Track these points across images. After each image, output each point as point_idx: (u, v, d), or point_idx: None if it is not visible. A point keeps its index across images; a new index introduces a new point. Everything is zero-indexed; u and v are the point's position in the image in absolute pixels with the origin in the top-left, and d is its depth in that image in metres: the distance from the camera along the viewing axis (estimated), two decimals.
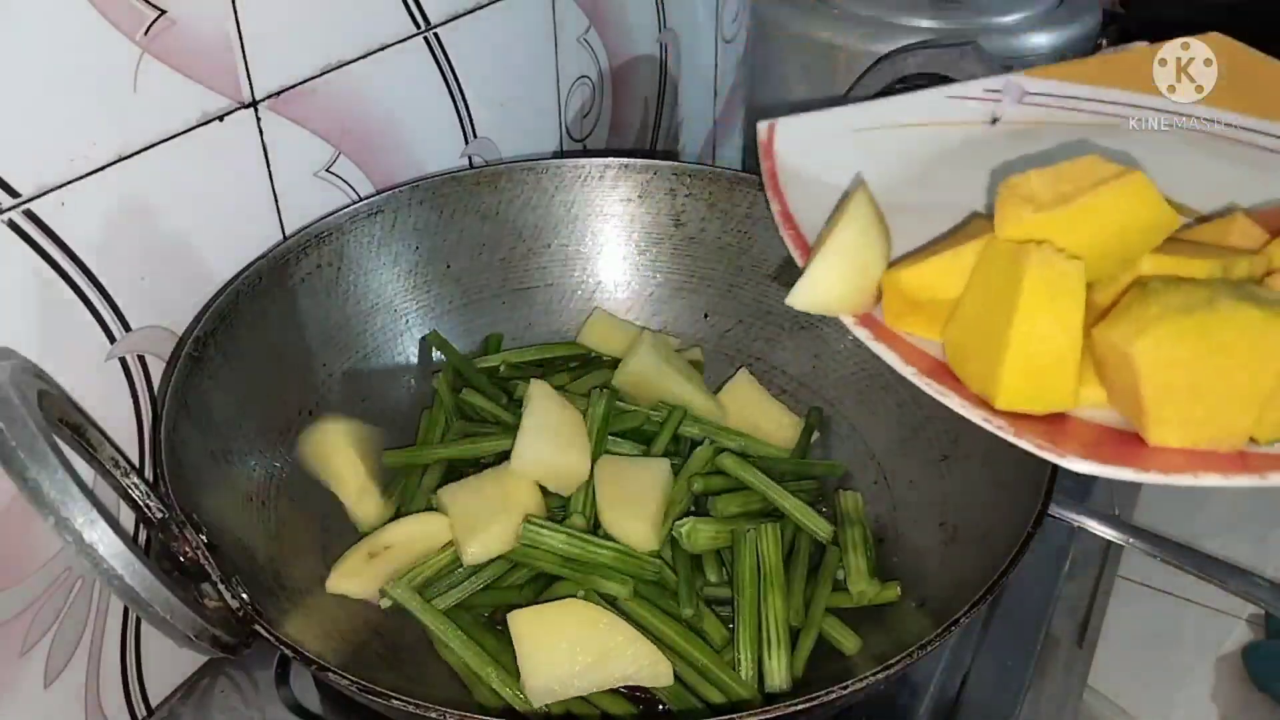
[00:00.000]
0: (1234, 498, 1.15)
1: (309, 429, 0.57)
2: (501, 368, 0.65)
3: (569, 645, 0.49)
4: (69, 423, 0.43)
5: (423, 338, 0.65)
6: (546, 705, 0.49)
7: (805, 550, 0.56)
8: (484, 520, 0.54)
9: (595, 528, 0.56)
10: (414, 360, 0.65)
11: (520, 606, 0.50)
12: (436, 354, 0.65)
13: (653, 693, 0.51)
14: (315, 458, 0.57)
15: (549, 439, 0.56)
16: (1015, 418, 0.42)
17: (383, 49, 0.60)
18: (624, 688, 0.51)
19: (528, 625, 0.49)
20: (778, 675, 0.50)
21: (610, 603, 0.52)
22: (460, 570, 0.54)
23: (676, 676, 0.51)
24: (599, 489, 0.56)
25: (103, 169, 0.47)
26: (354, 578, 0.52)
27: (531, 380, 0.60)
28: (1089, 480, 0.71)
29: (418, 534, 0.54)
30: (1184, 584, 1.03)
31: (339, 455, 0.57)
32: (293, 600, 0.49)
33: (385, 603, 0.52)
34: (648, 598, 0.53)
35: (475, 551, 0.53)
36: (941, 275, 0.45)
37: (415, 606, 0.52)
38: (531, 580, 0.54)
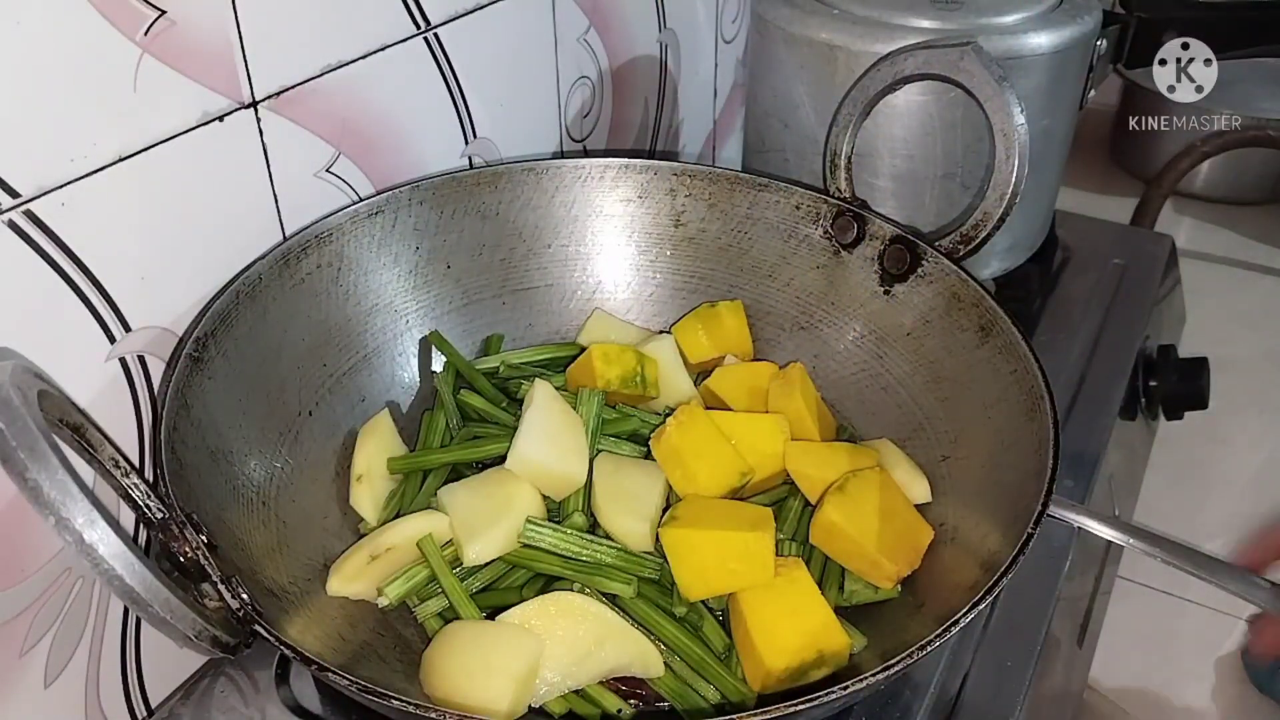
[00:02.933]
0: (1235, 498, 1.15)
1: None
2: (501, 368, 0.65)
3: (562, 637, 0.49)
4: (69, 423, 0.43)
5: (423, 338, 0.65)
6: (544, 703, 0.49)
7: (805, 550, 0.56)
8: (485, 522, 0.53)
9: (594, 527, 0.56)
10: (414, 360, 0.65)
11: (517, 604, 0.51)
12: (437, 354, 0.65)
13: (652, 687, 0.51)
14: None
15: (548, 442, 0.56)
16: None
17: (383, 49, 0.60)
18: (623, 686, 0.51)
19: (521, 623, 0.50)
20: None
21: (611, 601, 0.52)
22: (458, 570, 0.54)
23: (675, 674, 0.51)
24: (597, 486, 0.56)
25: (103, 169, 0.47)
26: (355, 581, 0.52)
27: (536, 380, 0.60)
28: (1089, 480, 0.71)
29: (419, 535, 0.54)
30: (1184, 584, 1.03)
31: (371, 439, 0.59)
32: (293, 600, 0.49)
33: (383, 602, 0.52)
34: (647, 596, 0.53)
35: (476, 553, 0.53)
36: None
37: (414, 605, 0.52)
38: (531, 580, 0.54)
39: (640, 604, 0.52)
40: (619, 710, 0.50)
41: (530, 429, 0.56)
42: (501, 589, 0.54)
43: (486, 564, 0.54)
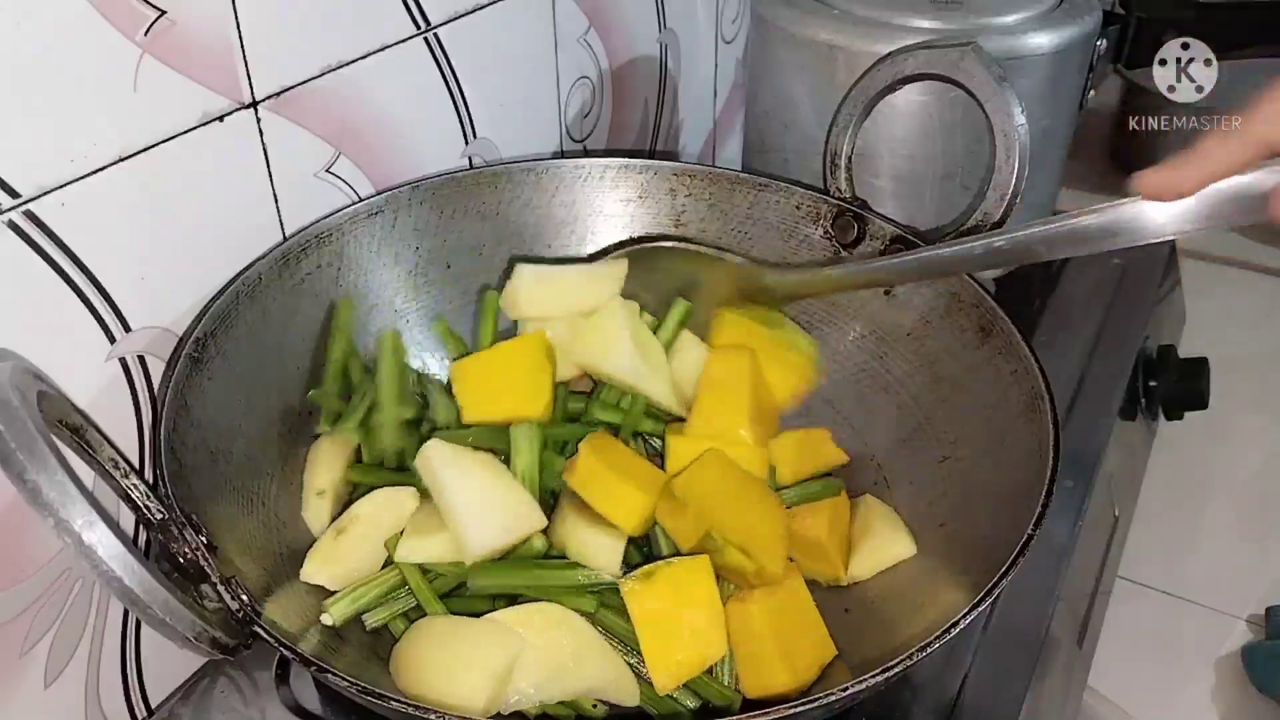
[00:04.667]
0: (1235, 498, 1.15)
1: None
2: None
3: (541, 645, 0.48)
4: (68, 424, 0.43)
5: (378, 336, 0.61)
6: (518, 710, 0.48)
7: None
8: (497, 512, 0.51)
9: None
10: (413, 360, 0.65)
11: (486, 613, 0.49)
12: (416, 354, 0.65)
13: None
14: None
15: (490, 512, 0.51)
16: None
17: (383, 49, 0.60)
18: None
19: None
20: None
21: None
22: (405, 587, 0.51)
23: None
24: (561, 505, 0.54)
25: (103, 169, 0.47)
26: (328, 564, 0.51)
27: (421, 450, 0.52)
28: (1089, 480, 0.71)
29: (384, 507, 0.53)
30: (1184, 584, 1.03)
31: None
32: (293, 601, 0.49)
33: (328, 620, 0.49)
34: (613, 606, 0.50)
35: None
36: None
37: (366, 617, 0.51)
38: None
39: (609, 614, 0.50)
40: (594, 705, 0.49)
41: (460, 511, 0.50)
42: (468, 596, 0.52)
43: (435, 577, 0.52)
